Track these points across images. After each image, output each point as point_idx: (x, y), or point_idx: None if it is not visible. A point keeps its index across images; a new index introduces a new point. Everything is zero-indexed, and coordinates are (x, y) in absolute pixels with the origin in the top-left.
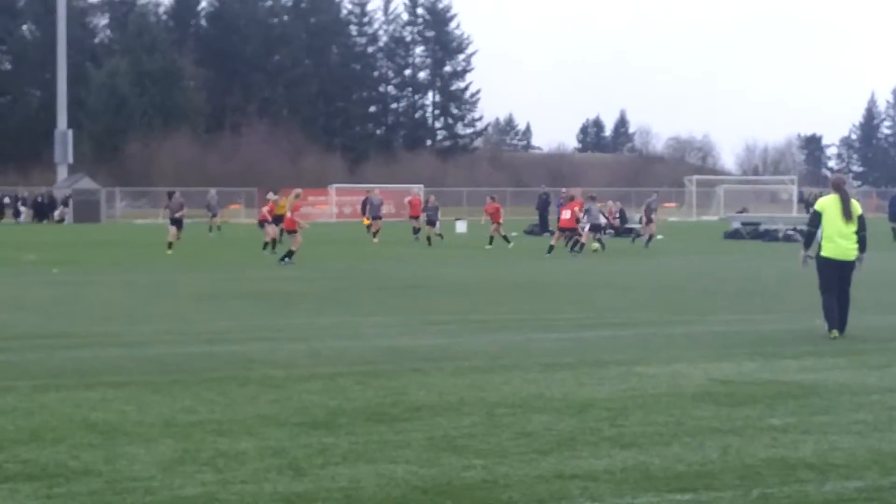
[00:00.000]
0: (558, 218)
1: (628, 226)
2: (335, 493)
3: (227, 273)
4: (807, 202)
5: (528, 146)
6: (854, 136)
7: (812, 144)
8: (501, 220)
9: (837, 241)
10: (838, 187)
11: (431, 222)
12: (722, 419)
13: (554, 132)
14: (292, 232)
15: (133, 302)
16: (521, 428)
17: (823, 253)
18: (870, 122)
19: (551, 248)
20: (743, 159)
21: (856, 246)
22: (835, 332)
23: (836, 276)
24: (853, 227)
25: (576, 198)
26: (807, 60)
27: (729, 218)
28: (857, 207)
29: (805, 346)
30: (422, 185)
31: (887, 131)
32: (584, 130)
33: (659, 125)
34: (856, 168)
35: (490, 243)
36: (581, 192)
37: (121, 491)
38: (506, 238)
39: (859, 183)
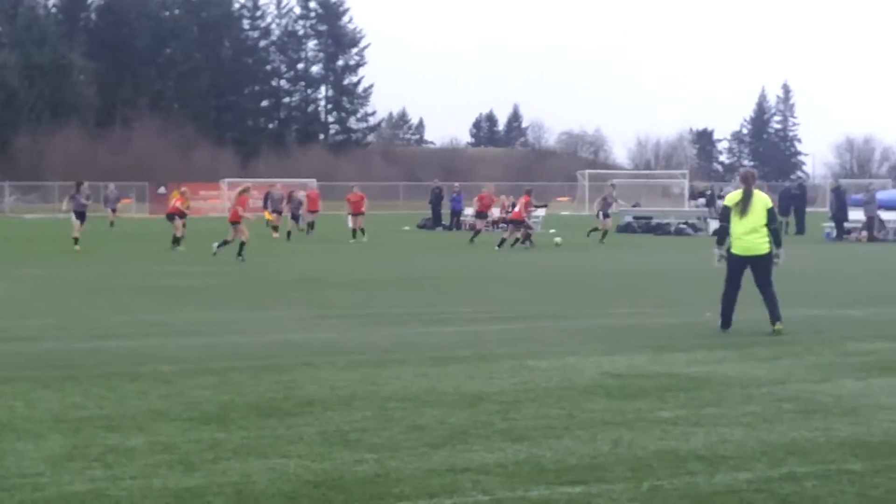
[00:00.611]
0: (509, 211)
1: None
2: (226, 487)
3: (119, 267)
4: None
5: (420, 140)
6: (745, 131)
7: (703, 139)
8: (364, 211)
9: (743, 236)
10: (746, 180)
11: (294, 217)
12: (613, 412)
13: (447, 127)
14: (236, 223)
15: (22, 296)
16: (413, 422)
17: (732, 249)
18: (760, 117)
19: (503, 241)
20: (635, 154)
21: (766, 240)
22: (779, 325)
23: (740, 272)
24: (760, 222)
25: (506, 195)
26: (698, 55)
27: (621, 212)
28: (764, 201)
29: (696, 340)
30: (314, 180)
31: (777, 126)
32: (477, 125)
33: (552, 120)
34: (746, 162)
35: (354, 237)
36: (494, 187)
37: (9, 487)
38: (361, 232)
39: None
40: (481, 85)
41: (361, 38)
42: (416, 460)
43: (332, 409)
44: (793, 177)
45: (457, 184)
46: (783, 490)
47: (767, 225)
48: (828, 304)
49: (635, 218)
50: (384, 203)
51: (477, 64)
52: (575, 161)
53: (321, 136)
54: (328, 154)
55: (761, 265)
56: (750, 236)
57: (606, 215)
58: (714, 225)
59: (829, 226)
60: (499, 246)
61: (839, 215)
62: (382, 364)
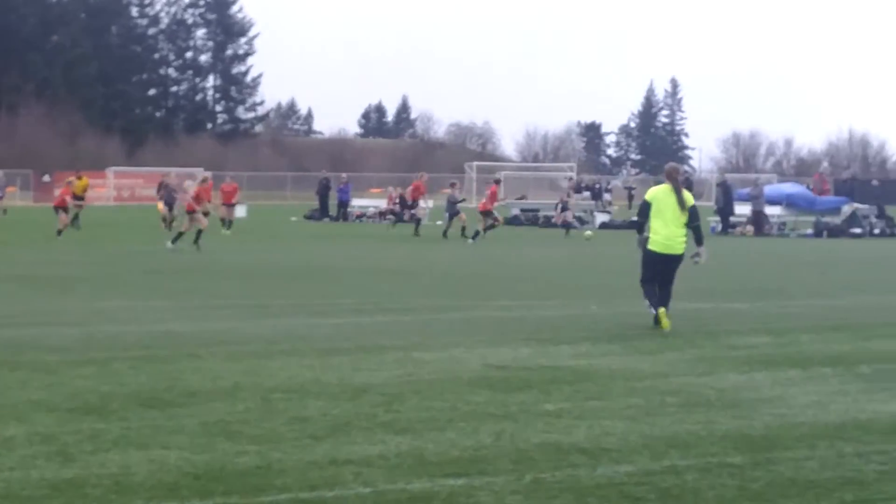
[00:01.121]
0: (397, 202)
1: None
2: (105, 479)
3: (0, 256)
4: (592, 189)
5: (309, 131)
6: (633, 125)
7: (592, 132)
8: (235, 202)
9: (664, 233)
10: (671, 176)
11: (169, 204)
12: (497, 404)
13: (336, 117)
14: (192, 212)
15: None
16: (297, 413)
17: (650, 245)
18: (648, 111)
19: (477, 232)
20: (523, 146)
21: (684, 239)
22: (662, 310)
23: (658, 270)
24: (684, 219)
25: (456, 183)
26: (587, 48)
27: (508, 204)
28: (688, 198)
29: (580, 332)
30: (202, 169)
31: (665, 120)
32: (366, 116)
33: (441, 111)
34: (634, 156)
35: (226, 228)
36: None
37: None
38: (228, 224)
39: (637, 170)
40: (370, 76)
41: (251, 27)
42: (298, 452)
43: (214, 401)
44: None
45: (344, 175)
46: (664, 483)
47: (689, 223)
48: (712, 297)
49: (522, 210)
50: (272, 193)
51: (367, 54)
52: (463, 153)
53: (209, 126)
54: (216, 144)
55: (674, 264)
56: (674, 234)
57: (566, 208)
58: (601, 218)
59: (715, 220)
60: (473, 238)
61: (726, 209)
62: (268, 355)
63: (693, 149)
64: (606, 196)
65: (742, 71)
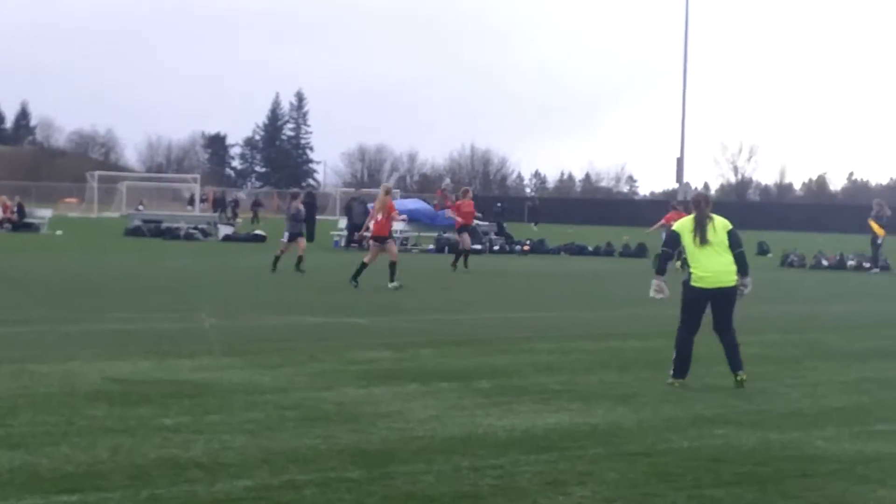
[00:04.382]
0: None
1: (27, 220)
2: None
3: None
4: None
5: None
6: (258, 137)
7: (216, 143)
8: None
9: (706, 265)
10: (697, 206)
11: None
12: (115, 418)
13: None
14: None
15: None
16: None
17: (692, 282)
18: (274, 124)
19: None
20: (146, 156)
21: (733, 269)
22: (677, 382)
23: (701, 310)
24: (725, 246)
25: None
26: (211, 59)
27: (130, 215)
28: (724, 223)
29: (201, 346)
30: None
31: (290, 133)
32: None
33: (63, 119)
34: (259, 169)
35: None
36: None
37: None
38: None
39: (261, 184)
40: None
41: None
42: None
43: None
44: (303, 184)
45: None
46: (283, 498)
47: (732, 248)
48: (333, 312)
49: (144, 221)
50: None
51: None
52: (85, 161)
53: None
54: None
55: (726, 300)
56: (718, 265)
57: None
58: (225, 231)
59: (339, 234)
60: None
61: (359, 225)
62: None
63: (318, 162)
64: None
65: (368, 84)
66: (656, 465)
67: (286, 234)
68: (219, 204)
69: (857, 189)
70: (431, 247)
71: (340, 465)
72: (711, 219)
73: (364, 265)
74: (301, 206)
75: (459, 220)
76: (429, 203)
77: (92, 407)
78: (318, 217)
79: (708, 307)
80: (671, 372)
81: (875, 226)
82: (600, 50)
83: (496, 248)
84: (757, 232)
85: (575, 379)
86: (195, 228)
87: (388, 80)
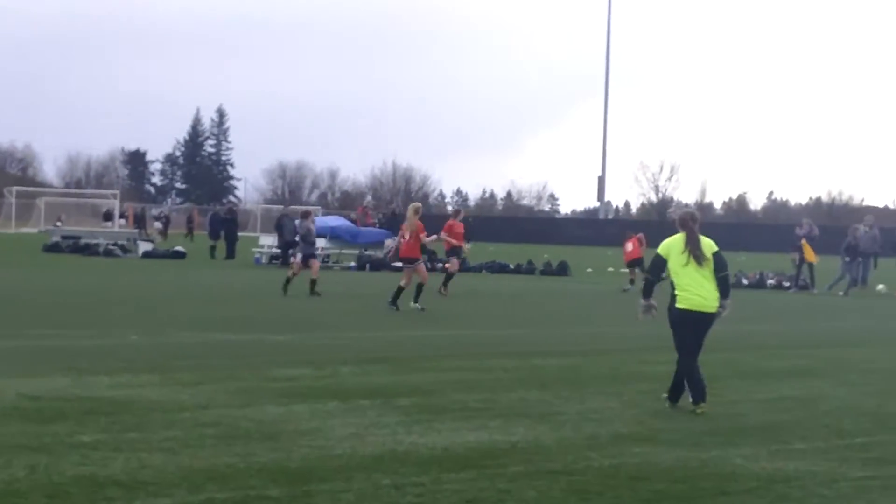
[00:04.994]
0: None
1: None
2: None
3: None
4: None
5: None
6: (178, 153)
7: (136, 160)
8: None
9: (692, 287)
10: (685, 224)
11: None
12: (30, 436)
13: None
14: None
15: None
16: None
17: (678, 304)
18: (195, 140)
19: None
20: (66, 171)
21: (716, 295)
22: (702, 407)
23: (692, 330)
24: (708, 270)
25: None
26: (134, 74)
27: (49, 231)
28: (709, 246)
29: (119, 362)
30: None
31: (211, 149)
32: None
33: None
34: (179, 185)
35: None
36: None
37: None
38: None
39: (182, 200)
40: None
41: None
42: None
43: None
44: (224, 201)
45: None
46: None
47: (717, 271)
48: (253, 328)
49: (63, 237)
50: None
51: None
52: (2, 177)
53: None
54: None
55: (705, 325)
56: (704, 289)
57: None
58: (144, 247)
59: (259, 250)
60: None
61: (291, 242)
62: None
63: (239, 179)
64: (157, 224)
65: (289, 101)
66: (575, 484)
67: (299, 256)
68: (138, 220)
69: (776, 208)
70: (353, 264)
71: (260, 484)
72: (701, 240)
73: (401, 289)
74: (312, 226)
75: (453, 241)
76: (351, 220)
77: (6, 424)
78: (239, 234)
79: None
80: (690, 399)
81: (809, 250)
82: (522, 68)
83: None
84: None
85: (495, 397)
86: (115, 245)
87: (309, 96)
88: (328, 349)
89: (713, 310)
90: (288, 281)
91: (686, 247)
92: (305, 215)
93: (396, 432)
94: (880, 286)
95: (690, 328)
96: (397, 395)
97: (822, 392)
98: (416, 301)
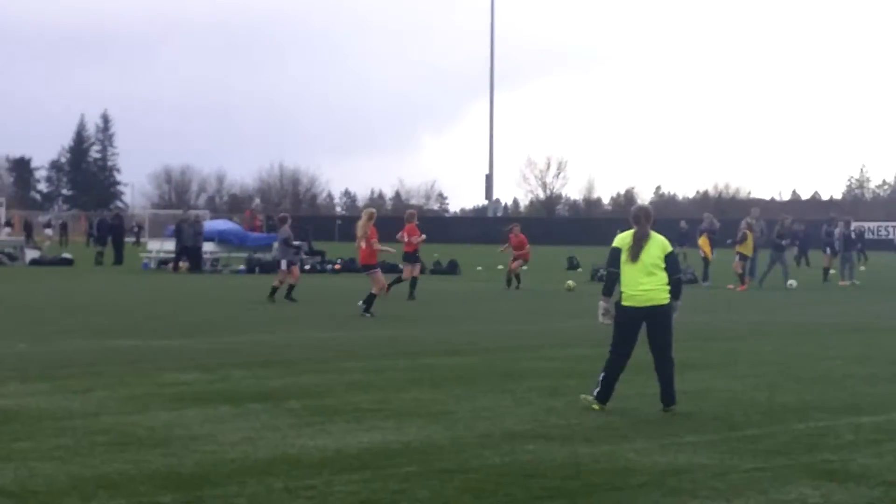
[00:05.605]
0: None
1: None
2: None
3: None
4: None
5: None
6: (64, 160)
7: (21, 167)
8: None
9: (635, 284)
10: (637, 221)
11: None
12: None
13: None
14: None
15: None
16: None
17: (621, 301)
18: (80, 146)
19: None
20: None
21: (666, 287)
22: (596, 405)
23: (634, 333)
24: (657, 265)
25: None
26: (16, 80)
27: None
28: (662, 244)
29: (8, 371)
30: None
31: (97, 155)
32: None
33: None
34: (66, 192)
35: None
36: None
37: None
38: None
39: (68, 206)
40: None
41: None
42: None
43: None
44: (111, 206)
45: None
46: None
47: (669, 273)
48: (141, 334)
49: None
50: None
51: None
52: None
53: None
54: None
55: (660, 319)
56: (644, 283)
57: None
58: (31, 255)
59: (148, 256)
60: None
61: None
62: None
63: (126, 184)
64: (48, 231)
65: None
66: (469, 482)
67: (284, 263)
68: (26, 228)
69: (665, 203)
70: (242, 267)
71: (152, 490)
72: (650, 237)
73: (373, 295)
74: (289, 231)
75: (416, 243)
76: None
77: None
78: (126, 239)
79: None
80: (594, 393)
81: (706, 246)
82: (408, 68)
83: (307, 267)
84: (567, 247)
85: (388, 397)
86: (1, 252)
87: (194, 100)
88: (218, 353)
89: (662, 302)
90: (291, 288)
91: (632, 244)
92: (283, 220)
93: (288, 435)
94: (791, 281)
95: (632, 326)
96: (289, 398)
97: (713, 385)
98: (366, 310)
